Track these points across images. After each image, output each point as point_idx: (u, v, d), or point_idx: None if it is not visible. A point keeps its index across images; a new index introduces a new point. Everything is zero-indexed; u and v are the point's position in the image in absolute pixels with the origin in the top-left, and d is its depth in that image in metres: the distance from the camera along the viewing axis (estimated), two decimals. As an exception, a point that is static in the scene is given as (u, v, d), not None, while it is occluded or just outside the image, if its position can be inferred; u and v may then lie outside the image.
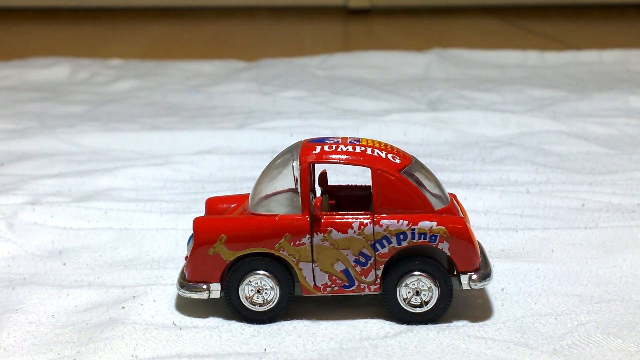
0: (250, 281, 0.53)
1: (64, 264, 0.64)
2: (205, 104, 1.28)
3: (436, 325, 0.53)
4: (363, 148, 0.54)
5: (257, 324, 0.54)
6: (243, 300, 0.54)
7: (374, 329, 0.53)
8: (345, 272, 0.53)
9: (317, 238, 0.53)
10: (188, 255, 0.55)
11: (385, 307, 0.54)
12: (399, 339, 0.51)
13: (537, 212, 0.74)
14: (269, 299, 0.54)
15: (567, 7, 2.74)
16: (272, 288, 0.54)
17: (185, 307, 0.56)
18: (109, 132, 1.04)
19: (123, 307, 0.55)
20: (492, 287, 0.59)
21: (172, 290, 0.58)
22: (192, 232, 0.55)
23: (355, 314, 0.55)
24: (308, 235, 0.53)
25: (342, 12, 2.76)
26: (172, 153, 0.97)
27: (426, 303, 0.53)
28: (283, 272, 0.54)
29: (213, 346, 0.51)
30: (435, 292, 0.53)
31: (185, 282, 0.54)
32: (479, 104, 1.21)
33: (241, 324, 0.54)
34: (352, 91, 1.33)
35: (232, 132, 1.04)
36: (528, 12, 2.67)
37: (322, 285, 0.54)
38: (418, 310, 0.53)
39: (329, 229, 0.53)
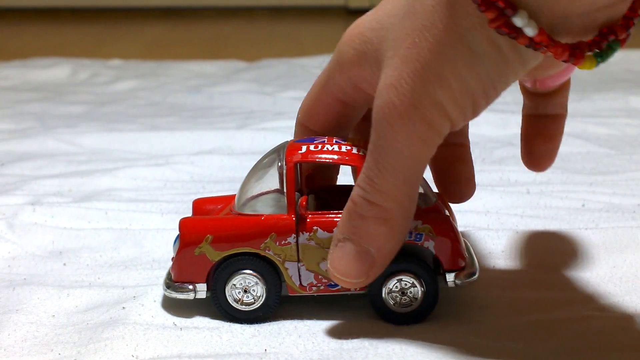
0: (236, 281, 0.53)
1: (65, 264, 0.64)
2: (205, 104, 1.28)
3: (436, 325, 0.53)
4: (349, 147, 0.54)
5: (243, 323, 0.54)
6: (229, 300, 0.54)
7: (374, 329, 0.53)
8: None
9: (303, 237, 0.53)
10: (174, 256, 0.55)
11: (371, 307, 0.54)
12: (399, 339, 0.51)
13: (538, 213, 0.74)
14: (255, 299, 0.54)
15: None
16: (258, 288, 0.54)
17: (186, 307, 0.56)
18: (109, 133, 1.04)
19: (123, 308, 0.55)
20: (493, 287, 0.59)
21: (172, 290, 0.58)
22: (178, 232, 0.55)
23: (356, 314, 0.55)
24: (293, 235, 0.53)
25: (342, 12, 2.76)
26: (173, 153, 0.97)
27: (412, 302, 0.53)
28: (269, 271, 0.53)
29: (213, 346, 0.51)
30: (421, 291, 0.53)
31: (171, 282, 0.54)
32: (479, 104, 1.21)
33: (242, 324, 0.54)
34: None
35: (232, 132, 1.04)
36: (528, 12, 2.67)
37: (307, 284, 0.54)
38: (404, 309, 0.53)
39: (315, 228, 0.53)
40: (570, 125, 1.06)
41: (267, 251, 0.53)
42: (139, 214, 0.74)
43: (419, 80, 0.45)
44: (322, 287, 0.54)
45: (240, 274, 0.53)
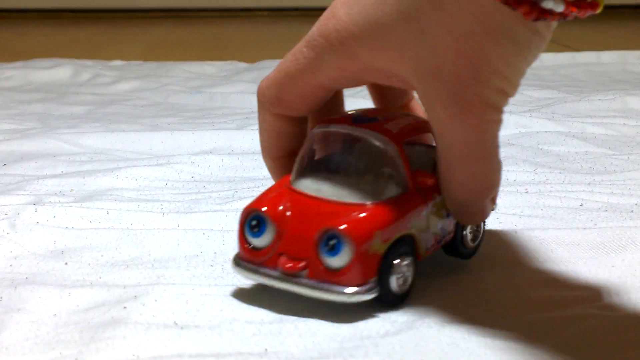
0: (398, 266, 0.55)
1: (66, 263, 0.64)
2: (206, 104, 1.29)
3: (437, 323, 0.53)
4: (404, 119, 0.59)
5: (391, 306, 0.55)
6: (392, 286, 0.55)
7: (374, 328, 0.53)
8: (442, 228, 0.59)
9: (430, 207, 0.57)
10: (341, 265, 0.53)
11: (448, 249, 0.61)
12: (399, 338, 0.51)
13: (536, 212, 0.74)
14: (408, 279, 0.56)
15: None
16: (410, 267, 0.56)
17: (187, 306, 0.56)
18: (110, 133, 1.04)
19: (125, 307, 0.55)
20: (491, 287, 0.59)
21: (173, 289, 0.58)
22: (332, 240, 0.53)
23: (356, 313, 0.55)
24: (426, 207, 0.56)
25: (343, 13, 2.76)
26: (174, 153, 0.97)
27: (476, 238, 0.62)
28: (412, 248, 0.56)
29: (214, 346, 0.51)
30: (482, 228, 0.63)
31: (354, 287, 0.53)
32: (479, 105, 1.21)
33: (242, 323, 0.53)
34: (352, 92, 1.33)
35: (232, 132, 1.04)
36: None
37: (430, 247, 0.58)
38: (471, 245, 0.62)
39: (435, 195, 0.57)
40: (568, 126, 1.07)
41: (413, 230, 0.56)
42: (141, 213, 0.74)
43: (480, 84, 0.51)
44: (435, 246, 0.58)
45: (400, 259, 0.55)
